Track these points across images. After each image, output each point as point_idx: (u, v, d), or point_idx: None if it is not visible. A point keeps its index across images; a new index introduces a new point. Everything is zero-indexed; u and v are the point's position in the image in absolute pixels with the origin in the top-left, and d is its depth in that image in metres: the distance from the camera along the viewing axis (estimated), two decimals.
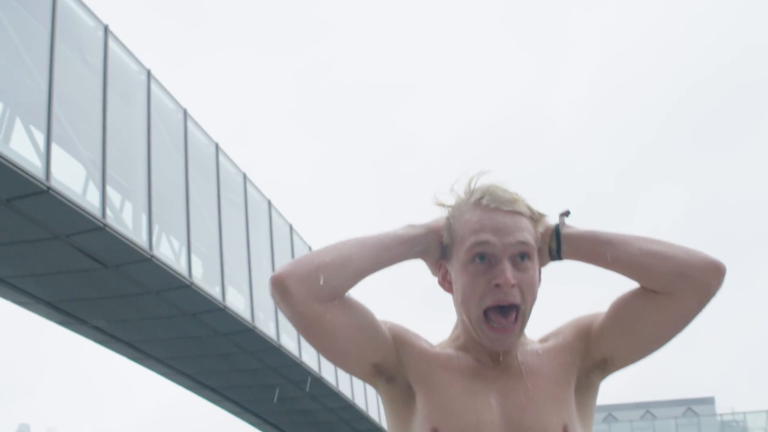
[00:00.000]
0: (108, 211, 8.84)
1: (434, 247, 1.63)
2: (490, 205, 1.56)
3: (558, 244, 1.61)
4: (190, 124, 11.55)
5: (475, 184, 1.61)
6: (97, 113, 9.11)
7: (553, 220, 1.64)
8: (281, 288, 1.51)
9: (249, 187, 13.57)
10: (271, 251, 14.12)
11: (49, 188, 7.82)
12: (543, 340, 1.66)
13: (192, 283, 10.53)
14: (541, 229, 1.61)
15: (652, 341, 1.60)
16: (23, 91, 8.44)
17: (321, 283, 1.50)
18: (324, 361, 14.87)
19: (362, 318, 1.58)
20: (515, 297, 1.54)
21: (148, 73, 10.52)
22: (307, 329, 1.55)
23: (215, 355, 13.08)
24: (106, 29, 9.64)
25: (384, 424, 1.70)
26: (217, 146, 12.45)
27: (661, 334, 1.58)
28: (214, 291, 11.35)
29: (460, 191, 1.62)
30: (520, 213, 1.57)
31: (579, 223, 1.64)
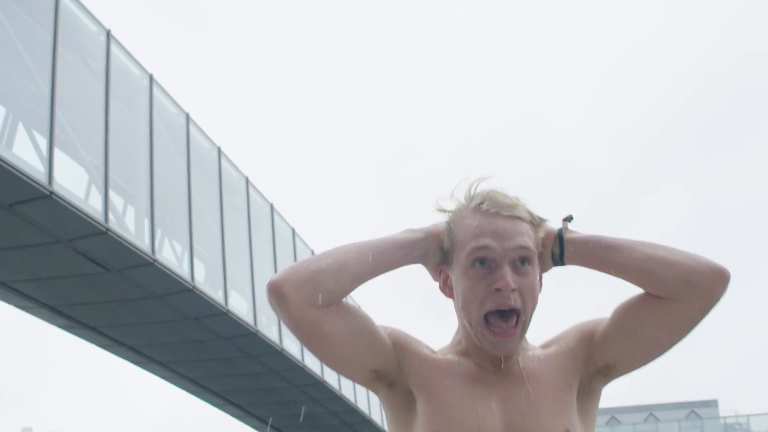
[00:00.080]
0: (110, 216, 8.85)
1: (434, 251, 1.63)
2: (490, 210, 1.57)
3: (561, 248, 1.60)
4: (192, 129, 11.56)
5: (475, 190, 1.62)
6: (99, 118, 9.13)
7: (555, 224, 1.64)
8: (278, 294, 1.50)
9: (251, 191, 13.58)
10: (274, 255, 14.12)
11: (51, 193, 7.83)
12: (545, 346, 1.66)
13: (194, 287, 10.53)
14: (541, 234, 1.61)
15: (655, 347, 1.59)
16: (26, 95, 8.46)
17: (317, 288, 1.50)
18: None
19: (360, 324, 1.57)
20: (516, 301, 1.54)
21: (151, 78, 10.54)
22: (304, 335, 1.55)
23: (218, 359, 13.08)
24: (108, 34, 9.66)
25: (386, 427, 1.69)
26: (219, 150, 12.46)
27: (664, 340, 1.58)
28: (217, 295, 11.35)
29: (461, 197, 1.63)
30: (520, 218, 1.57)
31: (582, 226, 1.64)
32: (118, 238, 8.90)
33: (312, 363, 14.30)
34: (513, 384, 1.58)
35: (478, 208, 1.58)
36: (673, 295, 1.53)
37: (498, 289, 1.53)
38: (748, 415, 35.88)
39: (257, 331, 12.28)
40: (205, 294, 10.80)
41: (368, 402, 17.94)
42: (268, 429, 16.42)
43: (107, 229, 8.68)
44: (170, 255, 10.59)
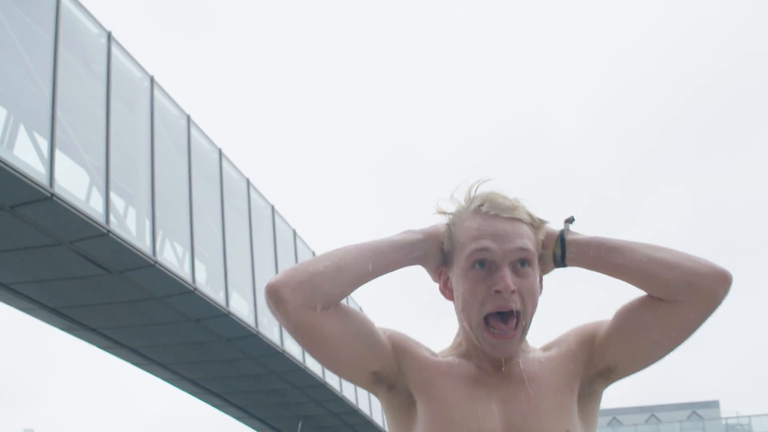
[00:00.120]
0: (112, 218, 8.85)
1: (433, 253, 1.63)
2: (490, 212, 1.57)
3: (563, 250, 1.60)
4: (193, 130, 11.57)
5: (475, 192, 1.62)
6: (100, 120, 9.14)
7: (556, 225, 1.63)
8: (275, 297, 1.50)
9: (252, 193, 13.59)
10: (275, 257, 14.13)
11: (52, 195, 7.84)
12: (546, 349, 1.66)
13: (196, 289, 10.54)
14: (541, 236, 1.61)
15: (657, 350, 1.59)
16: (27, 97, 8.47)
17: (315, 291, 1.50)
18: None
19: (359, 326, 1.57)
20: (515, 303, 1.53)
21: (152, 80, 10.55)
22: (303, 338, 1.55)
23: (219, 361, 13.09)
24: (109, 36, 9.66)
25: (387, 429, 1.69)
26: (220, 152, 12.47)
27: (666, 342, 1.57)
28: (218, 296, 11.36)
29: (461, 199, 1.63)
30: (520, 220, 1.57)
31: (582, 226, 1.63)
32: (119, 240, 8.91)
33: (313, 365, 14.30)
34: (513, 386, 1.57)
35: (477, 210, 1.58)
36: (675, 298, 1.52)
37: (498, 291, 1.52)
38: (749, 416, 35.90)
39: (258, 332, 12.28)
40: (206, 296, 10.81)
41: (369, 404, 17.94)
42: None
43: (108, 231, 8.68)
44: (171, 257, 10.60)
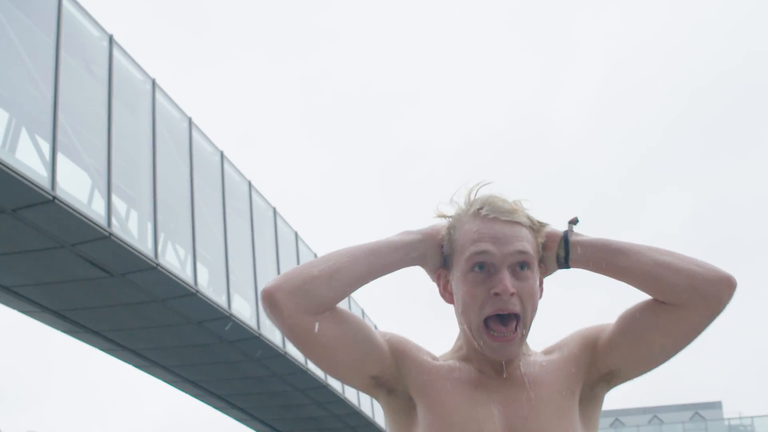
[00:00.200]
0: (113, 220, 8.86)
1: (432, 253, 1.63)
2: (490, 215, 1.57)
3: (566, 251, 1.60)
4: (195, 133, 11.58)
5: (474, 195, 1.62)
6: (102, 122, 9.14)
7: (557, 226, 1.63)
8: (270, 302, 1.50)
9: (254, 195, 13.59)
10: (277, 259, 14.13)
11: (54, 198, 7.84)
12: (547, 352, 1.66)
13: (198, 291, 10.54)
14: (541, 239, 1.61)
15: (660, 354, 1.59)
16: (29, 101, 8.47)
17: (309, 295, 1.50)
18: None
19: (356, 330, 1.56)
20: (515, 306, 1.53)
21: (153, 82, 10.55)
22: (299, 342, 1.55)
23: (221, 363, 13.09)
24: (110, 39, 9.67)
25: None
26: (222, 154, 12.47)
27: (669, 346, 1.57)
28: (220, 299, 11.36)
29: (461, 202, 1.63)
30: (519, 223, 1.57)
31: (585, 227, 1.63)
32: (121, 243, 8.91)
33: (315, 367, 14.23)
34: (514, 389, 1.57)
35: (477, 213, 1.58)
36: (679, 301, 1.52)
37: (497, 294, 1.52)
38: (752, 417, 35.89)
39: (260, 335, 12.28)
40: (208, 298, 10.81)
41: (372, 406, 17.92)
42: None
43: (110, 234, 8.68)
44: (173, 259, 10.60)
